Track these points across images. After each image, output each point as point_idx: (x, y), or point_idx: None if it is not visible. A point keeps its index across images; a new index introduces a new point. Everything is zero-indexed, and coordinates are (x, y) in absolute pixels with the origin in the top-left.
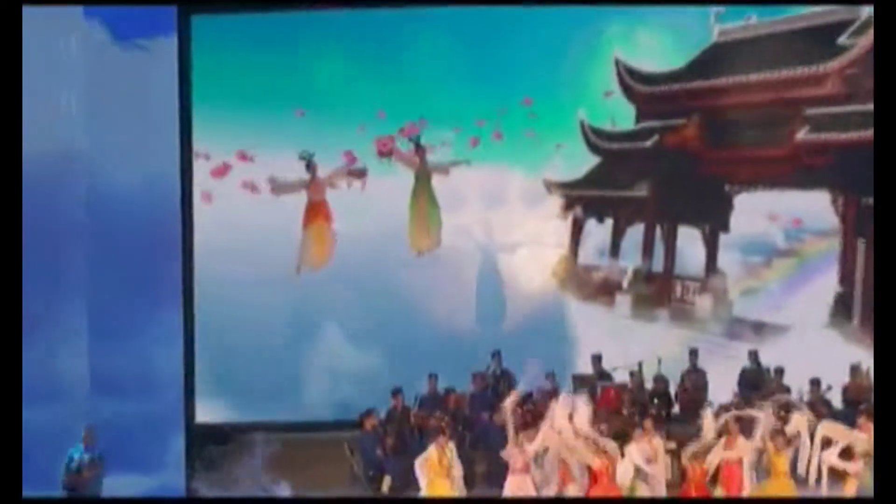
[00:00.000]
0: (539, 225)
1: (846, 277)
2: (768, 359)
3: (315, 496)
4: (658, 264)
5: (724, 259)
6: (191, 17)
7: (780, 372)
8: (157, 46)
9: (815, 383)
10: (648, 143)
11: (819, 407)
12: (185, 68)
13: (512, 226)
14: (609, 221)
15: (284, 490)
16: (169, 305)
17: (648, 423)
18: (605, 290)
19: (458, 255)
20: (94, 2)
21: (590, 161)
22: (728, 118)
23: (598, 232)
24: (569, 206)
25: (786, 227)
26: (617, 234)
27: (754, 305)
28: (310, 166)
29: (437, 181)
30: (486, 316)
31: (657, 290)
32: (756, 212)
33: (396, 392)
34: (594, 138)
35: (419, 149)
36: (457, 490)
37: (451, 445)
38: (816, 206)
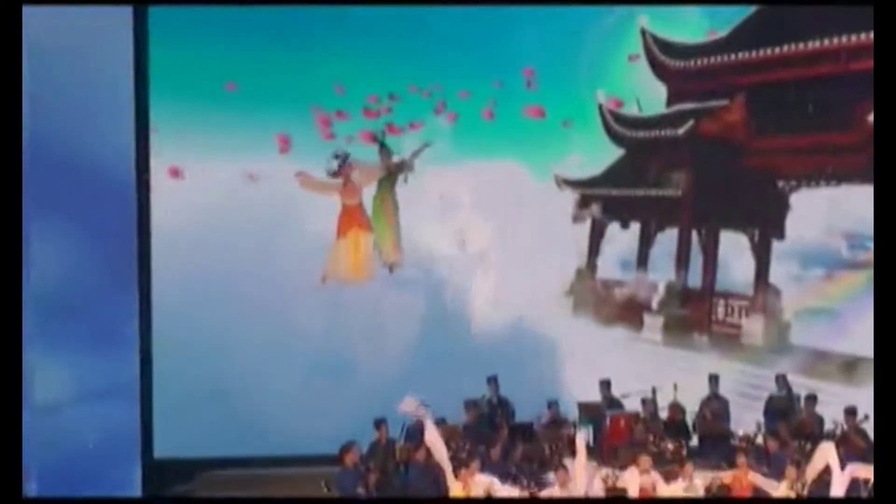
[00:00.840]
0: (548, 231)
1: None
2: (836, 397)
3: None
4: (695, 278)
5: (778, 272)
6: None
7: (811, 399)
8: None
9: (852, 413)
10: (682, 131)
11: (855, 438)
12: (140, 55)
13: (513, 232)
14: (635, 226)
15: None
16: (127, 316)
17: (689, 468)
18: (631, 311)
19: (450, 268)
20: (93, 1)
21: (611, 153)
22: (781, 98)
23: (621, 239)
24: (585, 207)
25: (855, 232)
26: (645, 242)
27: (816, 330)
28: (342, 168)
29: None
30: (484, 340)
31: (695, 311)
32: (817, 214)
33: (380, 423)
34: (616, 126)
35: (384, 149)
36: None
37: (478, 476)
38: None
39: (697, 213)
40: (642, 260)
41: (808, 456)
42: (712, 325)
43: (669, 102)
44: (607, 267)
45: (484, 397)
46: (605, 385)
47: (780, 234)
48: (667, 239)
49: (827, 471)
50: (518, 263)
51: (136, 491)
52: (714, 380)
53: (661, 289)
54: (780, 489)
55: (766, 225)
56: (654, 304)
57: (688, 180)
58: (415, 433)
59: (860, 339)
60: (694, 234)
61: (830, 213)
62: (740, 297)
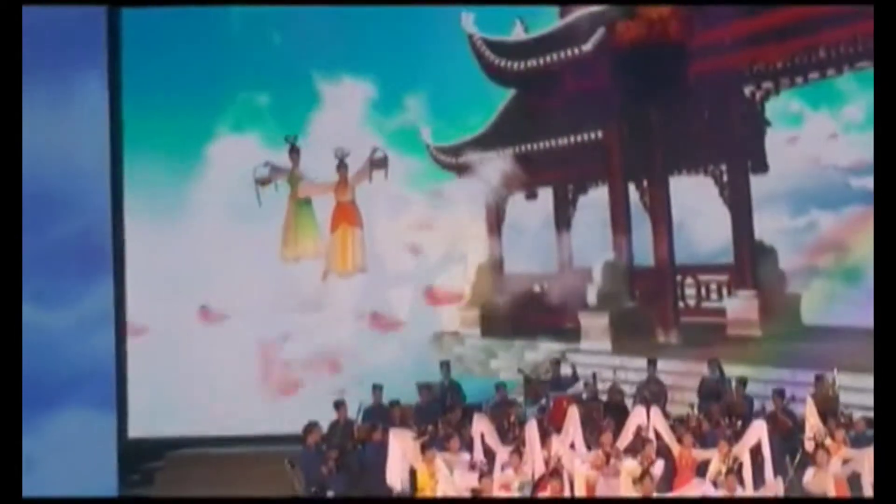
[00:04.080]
0: (427, 223)
1: None
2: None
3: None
4: (645, 252)
5: (767, 224)
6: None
7: (742, 382)
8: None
9: (780, 394)
10: (590, 45)
11: (782, 417)
12: (114, 63)
13: (387, 234)
14: (546, 193)
15: None
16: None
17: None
18: (560, 313)
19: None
20: (94, 2)
21: (496, 97)
22: None
23: (532, 216)
24: (468, 179)
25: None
26: (563, 213)
27: (836, 302)
28: (340, 166)
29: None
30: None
31: (652, 299)
32: (811, 128)
33: (339, 404)
34: (496, 59)
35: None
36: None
37: (439, 460)
38: None
39: (631, 158)
40: (563, 237)
41: (738, 433)
42: (681, 316)
43: (564, 12)
44: (516, 257)
45: (438, 381)
46: (556, 364)
47: (761, 166)
48: (593, 202)
49: (757, 448)
50: (403, 276)
51: (112, 469)
52: (652, 363)
53: (598, 274)
54: (712, 463)
55: (737, 156)
56: (592, 298)
57: (611, 115)
58: (372, 414)
59: None
60: (632, 189)
61: (831, 122)
62: (717, 270)
